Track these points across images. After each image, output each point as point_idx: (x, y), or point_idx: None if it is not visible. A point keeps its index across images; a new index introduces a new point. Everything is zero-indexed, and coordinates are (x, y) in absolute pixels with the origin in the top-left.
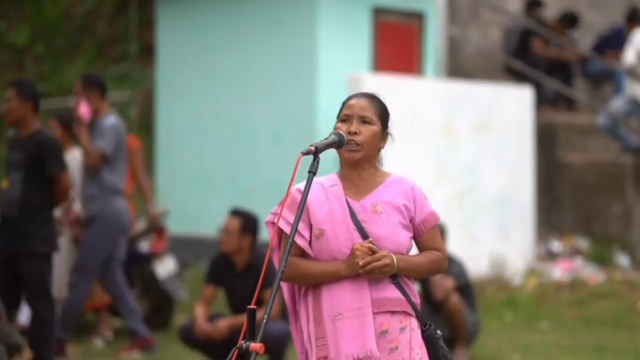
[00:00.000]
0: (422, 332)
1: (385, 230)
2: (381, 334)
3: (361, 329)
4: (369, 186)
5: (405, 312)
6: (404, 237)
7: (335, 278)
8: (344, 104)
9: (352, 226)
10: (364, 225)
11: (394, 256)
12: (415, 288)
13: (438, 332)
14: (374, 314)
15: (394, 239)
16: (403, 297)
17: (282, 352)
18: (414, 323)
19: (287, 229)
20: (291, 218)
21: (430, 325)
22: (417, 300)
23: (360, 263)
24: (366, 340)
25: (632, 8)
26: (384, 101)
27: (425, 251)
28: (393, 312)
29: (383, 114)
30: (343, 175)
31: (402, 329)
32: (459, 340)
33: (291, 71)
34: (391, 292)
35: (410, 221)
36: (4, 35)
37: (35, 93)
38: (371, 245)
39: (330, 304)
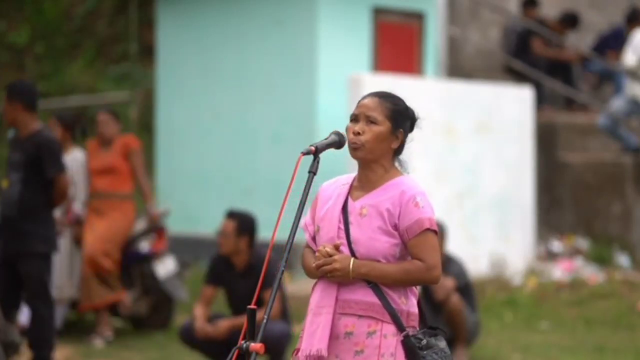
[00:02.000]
0: (403, 340)
1: (361, 234)
2: (346, 335)
3: (318, 327)
4: (371, 187)
5: (374, 317)
6: (382, 242)
7: (314, 275)
8: (358, 102)
9: (338, 225)
10: (350, 226)
11: (351, 261)
12: (404, 293)
13: (423, 342)
14: (340, 314)
15: (368, 243)
16: (378, 302)
17: (282, 352)
18: (387, 329)
19: (303, 227)
20: (307, 216)
21: (408, 334)
22: (399, 307)
23: (313, 265)
24: (319, 338)
25: (632, 8)
26: (401, 101)
27: (407, 260)
28: (360, 316)
29: (393, 114)
30: (358, 174)
31: (370, 334)
32: (459, 340)
33: (291, 71)
34: (363, 295)
35: (395, 227)
36: (4, 35)
37: (24, 93)
38: (328, 249)
39: (312, 299)
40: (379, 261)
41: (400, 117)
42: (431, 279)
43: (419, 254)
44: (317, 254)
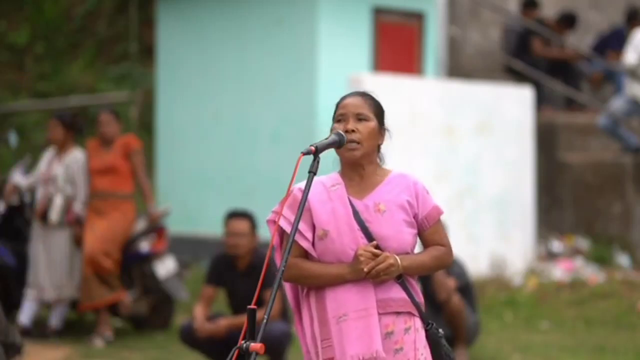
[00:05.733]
0: (426, 331)
1: (389, 230)
2: (386, 335)
3: (366, 330)
4: (371, 184)
5: (409, 313)
6: (408, 235)
7: (340, 281)
8: (337, 104)
9: (356, 226)
10: (367, 225)
11: (397, 256)
12: (418, 287)
13: (440, 331)
14: (380, 314)
15: (398, 237)
16: (407, 298)
17: (282, 352)
18: (418, 323)
19: (288, 229)
20: (292, 217)
21: (432, 324)
22: (421, 300)
23: (365, 269)
24: (372, 341)
25: (632, 8)
26: (377, 98)
27: (429, 247)
28: (398, 313)
29: (378, 110)
30: (344, 174)
31: (407, 330)
32: (459, 341)
33: (291, 71)
34: (396, 292)
35: (414, 217)
36: (4, 35)
37: None
38: (374, 249)
39: (335, 305)
40: (407, 253)
41: (382, 115)
42: (450, 263)
43: (439, 240)
44: (360, 258)
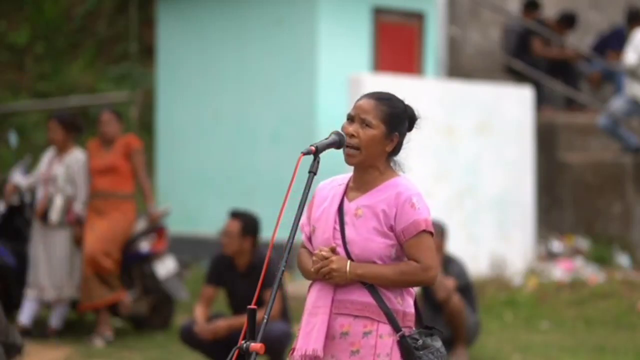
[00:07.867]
0: (399, 340)
1: (356, 235)
2: (342, 335)
3: (314, 327)
4: (366, 188)
5: (369, 318)
6: (377, 243)
7: (312, 277)
8: (355, 101)
9: (333, 226)
10: (345, 227)
11: (348, 263)
12: (403, 296)
13: (419, 341)
14: (336, 314)
15: (363, 244)
16: (374, 302)
17: (282, 352)
18: (383, 329)
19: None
20: (305, 213)
21: (404, 334)
22: (395, 307)
23: (312, 269)
24: (315, 338)
25: (632, 8)
26: (398, 102)
27: (403, 261)
28: (356, 316)
29: (388, 117)
30: (352, 175)
31: (366, 334)
32: (459, 341)
33: (291, 71)
34: (359, 296)
35: (391, 228)
36: (4, 35)
37: None
38: (324, 252)
39: (308, 300)
40: (374, 262)
41: (396, 120)
42: (427, 280)
43: (414, 255)
44: (313, 257)
